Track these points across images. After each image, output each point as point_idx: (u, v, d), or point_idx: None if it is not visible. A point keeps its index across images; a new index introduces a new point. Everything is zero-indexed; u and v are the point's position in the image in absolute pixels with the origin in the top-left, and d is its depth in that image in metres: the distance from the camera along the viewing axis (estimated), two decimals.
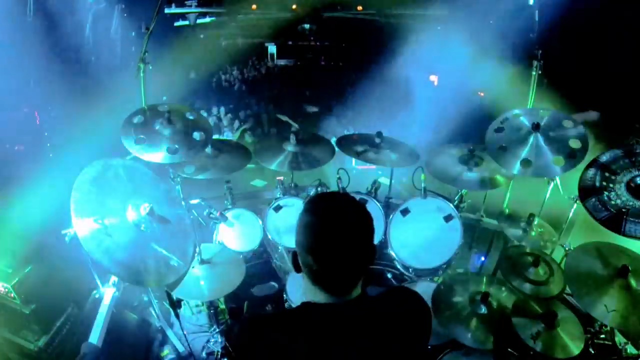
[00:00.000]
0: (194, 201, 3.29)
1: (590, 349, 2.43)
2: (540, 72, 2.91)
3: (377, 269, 2.93)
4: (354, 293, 1.13)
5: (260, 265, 3.08)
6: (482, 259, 3.07)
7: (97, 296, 2.70)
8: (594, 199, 2.18)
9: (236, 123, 8.27)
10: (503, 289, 2.41)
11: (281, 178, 3.29)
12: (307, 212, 1.12)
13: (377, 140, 3.03)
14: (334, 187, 3.12)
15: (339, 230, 1.06)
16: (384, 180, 3.34)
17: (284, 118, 8.43)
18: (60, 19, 5.60)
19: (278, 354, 1.07)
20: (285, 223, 3.00)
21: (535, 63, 2.90)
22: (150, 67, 2.94)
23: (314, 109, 5.44)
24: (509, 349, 2.19)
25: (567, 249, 2.68)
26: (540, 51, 2.86)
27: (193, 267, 2.35)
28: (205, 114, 7.87)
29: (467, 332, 2.19)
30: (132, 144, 2.49)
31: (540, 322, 2.17)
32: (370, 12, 10.07)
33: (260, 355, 1.09)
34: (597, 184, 2.20)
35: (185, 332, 2.77)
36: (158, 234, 2.11)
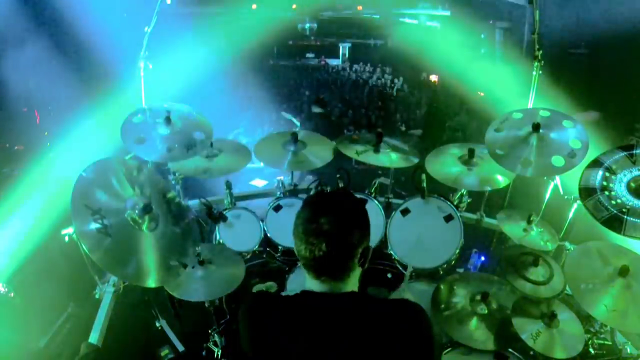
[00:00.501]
0: (194, 201, 3.30)
1: (590, 349, 2.43)
2: (540, 72, 2.90)
3: (377, 269, 2.93)
4: (344, 286, 1.18)
5: (260, 265, 3.07)
6: (482, 259, 3.07)
7: (97, 296, 2.70)
8: (594, 199, 2.17)
9: (242, 125, 8.27)
10: (503, 289, 2.41)
11: (281, 178, 3.29)
12: (301, 204, 1.22)
13: (377, 140, 3.02)
14: (333, 187, 3.12)
15: (320, 214, 1.13)
16: (384, 180, 3.34)
17: (288, 116, 8.42)
18: (60, 19, 5.60)
19: (274, 333, 1.16)
20: (285, 223, 2.99)
21: (535, 63, 2.89)
22: (151, 67, 2.94)
23: (319, 110, 5.45)
24: (509, 349, 2.19)
25: (567, 249, 2.69)
26: (541, 51, 2.85)
27: (193, 267, 2.35)
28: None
29: (467, 332, 2.19)
30: (132, 143, 2.50)
31: (540, 322, 2.17)
32: (371, 11, 10.06)
33: (260, 332, 1.17)
34: (598, 183, 2.20)
35: (185, 332, 2.77)
36: (158, 233, 2.10)
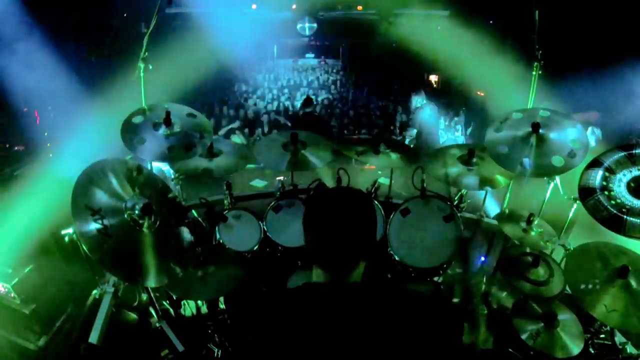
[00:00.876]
0: (194, 201, 3.30)
1: (590, 349, 2.44)
2: (540, 72, 2.90)
3: (377, 269, 2.93)
4: (351, 277, 1.20)
5: (260, 265, 3.07)
6: (482, 259, 3.07)
7: (97, 296, 2.70)
8: (594, 199, 2.17)
9: (237, 123, 8.27)
10: (503, 289, 2.41)
11: (281, 178, 3.29)
12: (313, 199, 1.32)
13: (377, 140, 3.03)
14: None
15: (331, 209, 1.19)
16: (384, 180, 3.34)
17: (282, 119, 8.44)
18: (59, 19, 5.61)
19: (278, 329, 1.16)
20: (284, 223, 3.00)
21: (535, 63, 2.89)
22: (150, 67, 2.94)
23: (308, 109, 5.55)
24: (509, 349, 2.19)
25: (567, 249, 2.69)
26: (541, 51, 2.85)
27: (193, 267, 2.35)
28: (204, 114, 7.86)
29: (468, 332, 2.19)
30: (132, 143, 2.50)
31: (540, 322, 2.17)
32: (371, 12, 10.06)
33: (264, 329, 1.18)
34: (597, 183, 2.20)
35: (185, 332, 2.77)
36: (158, 234, 2.10)
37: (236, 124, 8.02)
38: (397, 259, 2.79)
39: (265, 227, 3.00)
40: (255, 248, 2.98)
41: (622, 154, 2.22)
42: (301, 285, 1.23)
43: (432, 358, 1.14)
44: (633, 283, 2.06)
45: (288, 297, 1.24)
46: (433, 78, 10.90)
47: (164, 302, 2.89)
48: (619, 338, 2.49)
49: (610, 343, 2.48)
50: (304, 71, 12.31)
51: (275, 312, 1.19)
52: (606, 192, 2.16)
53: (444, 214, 2.82)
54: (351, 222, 1.18)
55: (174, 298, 2.46)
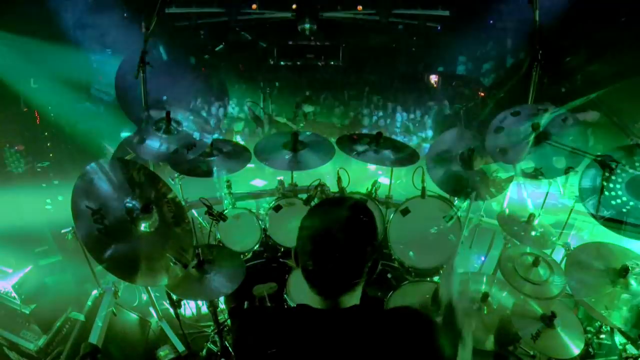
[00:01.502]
0: (194, 201, 3.30)
1: (590, 349, 2.43)
2: (540, 72, 2.90)
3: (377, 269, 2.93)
4: (348, 301, 1.12)
5: (260, 265, 3.07)
6: (482, 259, 3.06)
7: (97, 296, 2.70)
8: (594, 199, 2.17)
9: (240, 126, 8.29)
10: (503, 289, 2.41)
11: (281, 178, 3.29)
12: (308, 213, 1.18)
13: (377, 140, 3.03)
14: (333, 187, 3.12)
15: (328, 231, 1.09)
16: (384, 181, 3.34)
17: (282, 120, 8.44)
18: (58, 18, 5.61)
19: (268, 350, 1.09)
20: (285, 223, 3.00)
21: (535, 63, 2.89)
22: (151, 67, 2.94)
23: (310, 109, 5.57)
24: (509, 349, 2.19)
25: (567, 249, 2.69)
26: (541, 51, 2.85)
27: (193, 267, 2.35)
28: (205, 114, 7.88)
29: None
30: (132, 144, 2.50)
31: (540, 322, 2.16)
32: (371, 11, 10.05)
33: (254, 349, 1.11)
34: (598, 184, 2.20)
35: (185, 332, 2.77)
36: (158, 233, 2.10)
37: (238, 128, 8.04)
38: (396, 258, 2.79)
39: (265, 227, 3.01)
40: (255, 248, 2.98)
41: (622, 154, 2.22)
42: (297, 309, 1.14)
43: None
44: (633, 283, 2.06)
45: (283, 322, 1.14)
46: (433, 78, 10.89)
47: (164, 302, 2.89)
48: (619, 338, 2.49)
49: (610, 343, 2.48)
50: (304, 71, 12.29)
51: (270, 339, 1.11)
52: (606, 192, 2.16)
53: (444, 214, 2.82)
54: (348, 245, 1.08)
55: (174, 298, 2.45)
